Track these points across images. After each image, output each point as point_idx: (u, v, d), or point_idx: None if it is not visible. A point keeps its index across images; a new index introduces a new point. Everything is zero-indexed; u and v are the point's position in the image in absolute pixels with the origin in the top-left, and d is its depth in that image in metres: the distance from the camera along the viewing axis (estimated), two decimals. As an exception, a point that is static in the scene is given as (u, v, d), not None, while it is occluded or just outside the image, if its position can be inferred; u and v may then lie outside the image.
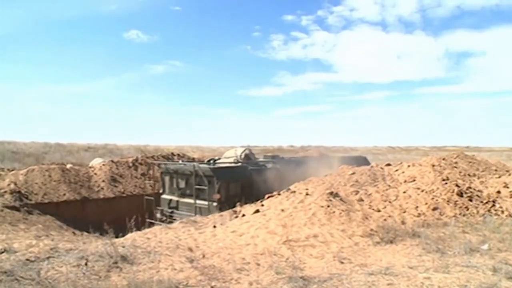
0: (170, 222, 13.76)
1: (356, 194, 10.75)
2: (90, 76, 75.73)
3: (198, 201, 14.80)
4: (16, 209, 13.23)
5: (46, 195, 15.72)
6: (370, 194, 10.69)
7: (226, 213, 11.22)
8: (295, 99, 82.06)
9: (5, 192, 14.49)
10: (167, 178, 16.96)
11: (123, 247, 7.43)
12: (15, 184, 15.32)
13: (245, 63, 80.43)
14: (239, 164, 17.40)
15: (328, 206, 9.22)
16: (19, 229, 11.41)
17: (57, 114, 67.63)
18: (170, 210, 15.89)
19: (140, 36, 72.81)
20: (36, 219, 13.20)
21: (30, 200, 14.75)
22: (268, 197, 11.36)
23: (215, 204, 14.34)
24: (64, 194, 16.40)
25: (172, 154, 27.82)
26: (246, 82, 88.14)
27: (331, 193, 10.06)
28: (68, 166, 20.50)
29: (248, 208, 10.87)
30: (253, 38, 76.94)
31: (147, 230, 9.53)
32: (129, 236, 9.00)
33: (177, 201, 15.89)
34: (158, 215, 15.96)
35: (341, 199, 9.89)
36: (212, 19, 78.72)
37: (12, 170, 18.17)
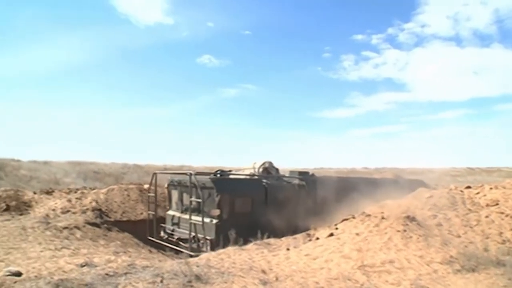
0: (171, 241, 13.55)
1: (434, 218, 10.30)
2: (166, 100, 78.65)
3: (194, 218, 12.38)
4: (97, 225, 13.79)
5: (125, 213, 16.29)
6: (449, 219, 10.21)
7: (299, 236, 11.05)
8: (368, 120, 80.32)
9: (87, 209, 15.20)
10: (173, 192, 15.05)
11: (198, 266, 7.51)
12: (97, 202, 16.03)
13: (316, 85, 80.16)
14: (252, 177, 15.04)
15: (405, 230, 8.91)
16: (99, 245, 11.88)
17: (135, 137, 70.70)
18: (171, 228, 14.19)
19: (213, 60, 74.82)
20: (115, 236, 13.67)
21: (110, 217, 15.36)
22: (342, 221, 11.02)
23: (214, 221, 12.26)
24: (141, 213, 16.88)
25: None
26: (318, 104, 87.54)
27: (408, 217, 9.70)
28: (145, 186, 21.17)
29: (322, 231, 10.63)
30: (324, 59, 76.73)
31: (221, 250, 9.60)
32: (204, 256, 9.08)
33: (179, 218, 13.94)
34: (162, 234, 14.46)
35: (418, 224, 9.52)
36: (282, 41, 79.57)
37: (94, 189, 19.04)
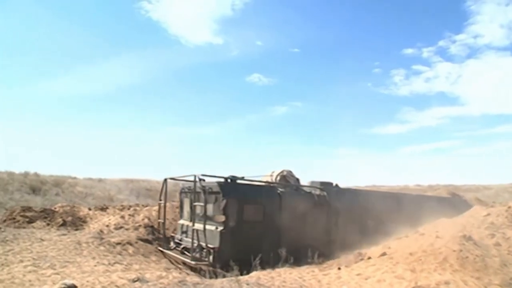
0: (178, 250, 12.87)
1: (492, 237, 9.85)
2: (215, 119, 79.74)
3: (197, 225, 11.68)
4: (149, 242, 14.06)
5: (176, 230, 16.56)
6: (508, 238, 9.75)
7: (351, 256, 10.82)
8: (421, 135, 78.00)
9: (140, 225, 15.54)
10: (184, 200, 14.29)
11: (248, 284, 7.48)
12: (149, 219, 16.37)
13: (366, 101, 78.72)
14: (266, 184, 13.75)
15: (461, 250, 8.56)
16: (151, 261, 12.12)
17: (186, 155, 71.91)
18: (180, 237, 13.50)
19: (262, 79, 75.39)
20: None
21: (161, 234, 15.62)
22: (395, 239, 10.72)
23: (219, 229, 11.41)
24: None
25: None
26: (369, 120, 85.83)
27: (464, 236, 9.36)
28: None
29: (374, 250, 10.38)
30: (374, 75, 75.49)
31: (271, 270, 9.51)
32: (254, 274, 9.06)
33: (187, 226, 13.03)
34: (171, 243, 13.78)
35: (475, 243, 9.14)
36: (330, 58, 79.06)
37: (146, 206, 19.44)
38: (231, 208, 11.60)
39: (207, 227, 11.47)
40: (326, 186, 14.48)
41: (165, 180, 14.29)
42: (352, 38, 77.42)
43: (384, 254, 9.56)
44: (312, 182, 14.74)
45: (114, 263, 10.66)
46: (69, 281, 8.03)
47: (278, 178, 14.20)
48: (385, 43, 78.00)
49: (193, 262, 11.27)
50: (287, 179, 14.25)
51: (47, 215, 15.72)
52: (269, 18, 76.62)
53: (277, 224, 12.29)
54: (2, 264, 9.35)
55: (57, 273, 8.90)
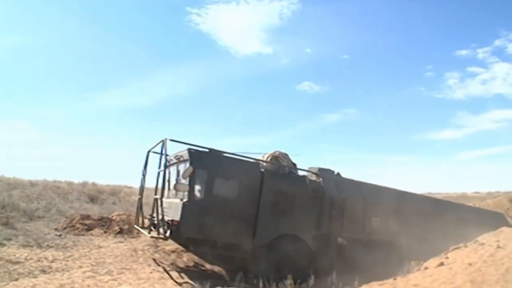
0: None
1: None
2: (266, 128, 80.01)
3: (165, 198, 10.78)
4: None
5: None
6: None
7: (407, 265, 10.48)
8: (478, 140, 74.95)
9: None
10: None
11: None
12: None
13: (420, 106, 76.69)
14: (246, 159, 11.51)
15: (524, 261, 8.02)
16: (205, 268, 12.17)
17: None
18: (152, 213, 12.01)
19: (313, 87, 75.09)
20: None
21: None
22: (453, 249, 10.31)
23: (183, 201, 10.03)
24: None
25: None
26: (423, 126, 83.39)
27: (528, 246, 8.77)
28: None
29: (431, 261, 10.02)
30: (426, 78, 73.37)
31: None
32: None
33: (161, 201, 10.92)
34: (146, 221, 12.76)
35: (539, 254, 8.54)
36: (381, 63, 77.62)
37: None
38: (198, 178, 10.19)
39: (174, 200, 10.59)
40: (323, 172, 12.44)
41: (148, 152, 12.47)
42: (402, 41, 75.86)
43: (441, 264, 9.21)
44: (310, 168, 12.74)
45: (169, 270, 10.87)
46: (126, 287, 8.27)
47: (269, 158, 12.12)
48: (437, 45, 75.91)
49: (149, 235, 10.73)
50: (279, 161, 12.21)
51: (104, 223, 16.20)
52: (317, 25, 76.33)
53: (256, 207, 10.69)
54: (63, 270, 9.78)
55: (114, 279, 9.20)
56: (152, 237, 10.62)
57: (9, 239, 11.76)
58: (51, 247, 11.87)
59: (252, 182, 10.80)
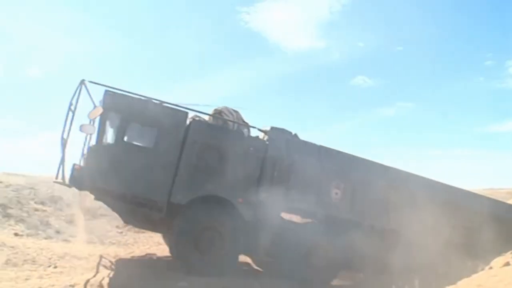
0: None
1: None
2: (321, 124, 79.18)
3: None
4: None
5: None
6: None
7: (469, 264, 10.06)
8: (545, 130, 70.51)
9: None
10: None
11: None
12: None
13: (480, 97, 73.24)
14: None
15: None
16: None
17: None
18: None
19: (367, 81, 73.56)
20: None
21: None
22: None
23: (90, 145, 9.43)
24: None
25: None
26: (484, 118, 79.47)
27: None
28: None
29: (497, 260, 9.59)
30: (486, 68, 69.75)
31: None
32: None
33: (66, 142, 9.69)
34: None
35: None
36: (437, 54, 74.39)
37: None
38: (109, 122, 9.27)
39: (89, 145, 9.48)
40: (273, 131, 10.44)
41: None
42: (458, 30, 72.68)
43: (507, 264, 8.81)
44: (264, 127, 10.80)
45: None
46: (183, 284, 8.45)
47: (211, 112, 10.57)
48: (497, 32, 71.92)
49: (53, 180, 9.56)
50: (223, 116, 10.55)
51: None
52: (368, 18, 74.66)
53: (175, 159, 9.38)
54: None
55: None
56: (54, 181, 9.49)
57: (74, 236, 12.29)
58: (113, 244, 12.31)
59: (174, 132, 9.39)
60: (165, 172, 9.24)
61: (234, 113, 10.76)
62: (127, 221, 10.49)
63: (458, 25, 71.79)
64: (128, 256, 11.21)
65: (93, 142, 9.40)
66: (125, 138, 9.39)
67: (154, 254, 11.81)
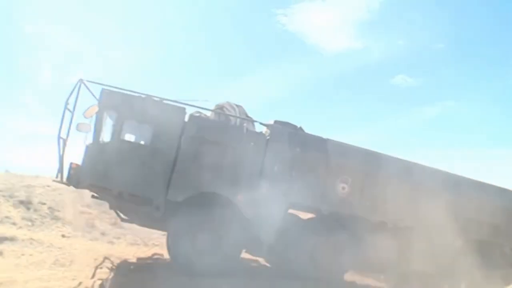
0: None
1: None
2: (362, 125, 77.45)
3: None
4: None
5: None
6: None
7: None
8: None
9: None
10: None
11: None
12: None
13: (527, 93, 70.16)
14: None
15: None
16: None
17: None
18: None
19: (407, 80, 71.16)
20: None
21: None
22: None
23: (87, 143, 9.04)
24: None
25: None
26: (533, 115, 75.85)
27: None
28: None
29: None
30: (530, 63, 66.50)
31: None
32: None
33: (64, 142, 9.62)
34: None
35: None
36: (479, 50, 71.44)
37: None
38: (105, 120, 9.12)
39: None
40: (276, 125, 9.90)
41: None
42: (502, 25, 69.72)
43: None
44: (269, 121, 10.21)
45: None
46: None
47: (214, 107, 10.36)
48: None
49: (52, 179, 9.52)
50: (225, 111, 10.32)
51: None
52: (407, 15, 72.33)
53: (172, 156, 9.04)
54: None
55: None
56: (54, 180, 9.48)
57: (118, 238, 12.47)
58: (156, 245, 12.37)
59: (170, 128, 9.04)
60: (162, 169, 8.96)
61: (237, 108, 10.40)
62: (127, 219, 10.28)
63: (502, 21, 69.04)
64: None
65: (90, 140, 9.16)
66: (122, 136, 9.19)
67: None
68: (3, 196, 12.41)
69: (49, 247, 9.69)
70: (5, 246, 9.28)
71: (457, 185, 10.20)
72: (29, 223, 11.64)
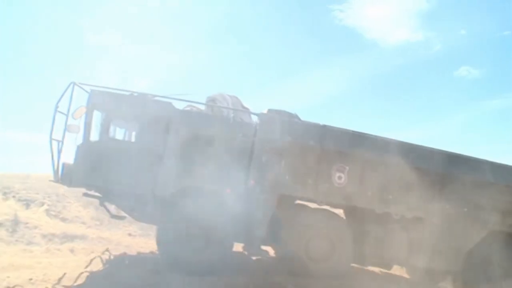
0: None
1: None
2: (423, 121, 74.16)
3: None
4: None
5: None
6: None
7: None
8: None
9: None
10: None
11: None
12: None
13: None
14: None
15: None
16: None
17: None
18: None
19: (471, 71, 67.09)
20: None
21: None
22: None
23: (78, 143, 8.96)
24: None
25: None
26: None
27: None
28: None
29: None
30: None
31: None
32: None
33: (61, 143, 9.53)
34: None
35: None
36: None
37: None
38: (93, 119, 9.02)
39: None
40: (269, 113, 9.30)
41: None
42: None
43: None
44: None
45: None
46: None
47: (206, 100, 10.14)
48: None
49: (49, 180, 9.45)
50: (216, 103, 10.00)
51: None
52: (468, 3, 68.23)
53: (159, 151, 8.87)
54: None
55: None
56: (49, 181, 9.51)
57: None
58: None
59: (157, 124, 8.89)
60: (149, 164, 8.80)
61: (230, 99, 10.07)
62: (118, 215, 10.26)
63: None
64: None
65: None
66: (109, 134, 9.31)
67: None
68: (75, 197, 12.89)
69: (117, 245, 10.66)
70: (75, 244, 10.16)
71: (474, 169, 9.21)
72: (98, 222, 12.55)
